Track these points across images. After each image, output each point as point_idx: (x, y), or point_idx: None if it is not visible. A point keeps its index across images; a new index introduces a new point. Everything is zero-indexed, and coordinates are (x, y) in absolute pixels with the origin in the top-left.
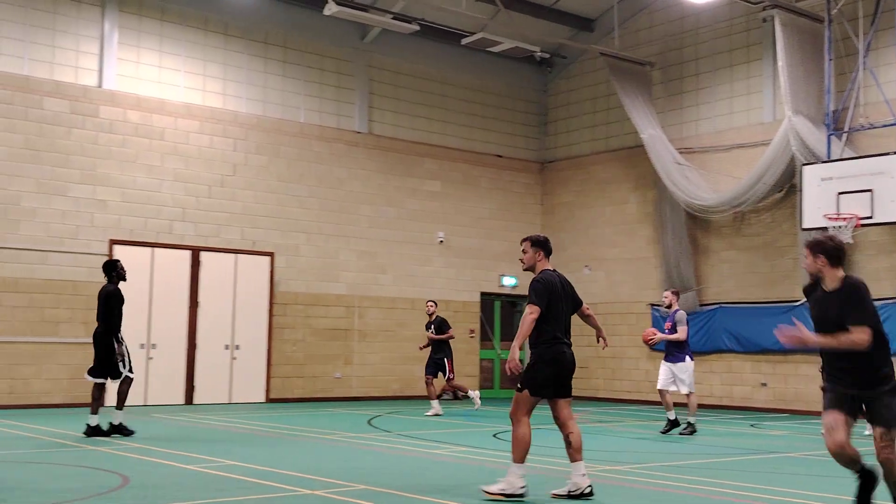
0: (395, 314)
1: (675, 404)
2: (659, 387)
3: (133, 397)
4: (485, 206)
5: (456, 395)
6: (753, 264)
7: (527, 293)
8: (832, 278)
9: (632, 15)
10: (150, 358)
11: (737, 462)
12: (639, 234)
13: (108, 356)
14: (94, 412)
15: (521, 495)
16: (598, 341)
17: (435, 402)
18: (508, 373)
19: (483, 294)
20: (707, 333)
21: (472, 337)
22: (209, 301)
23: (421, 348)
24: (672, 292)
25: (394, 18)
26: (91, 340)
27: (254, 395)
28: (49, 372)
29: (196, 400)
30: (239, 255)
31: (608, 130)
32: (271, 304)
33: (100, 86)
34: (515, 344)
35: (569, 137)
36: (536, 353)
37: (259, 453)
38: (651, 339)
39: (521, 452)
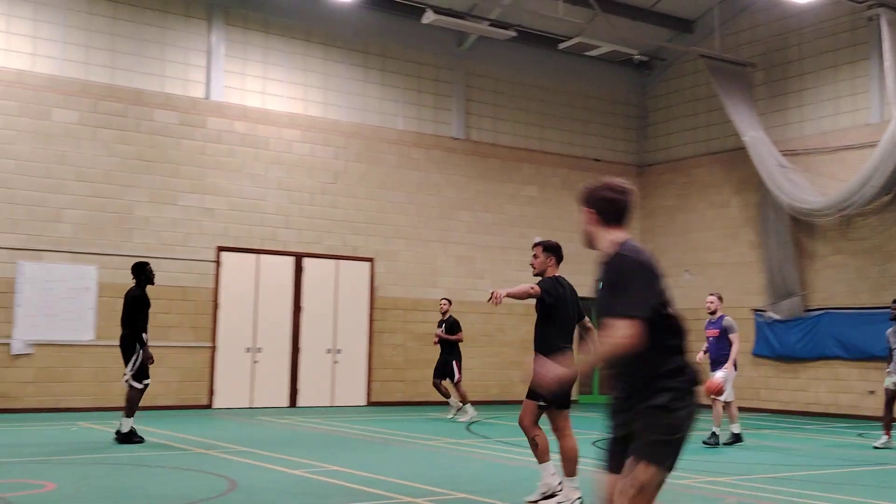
0: (493, 319)
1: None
2: (721, 399)
3: (239, 400)
4: None
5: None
6: (861, 269)
7: None
8: (604, 243)
9: (732, 16)
10: (256, 361)
11: (845, 474)
12: (741, 238)
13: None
14: (130, 415)
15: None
16: None
17: (454, 401)
18: (492, 296)
19: (582, 299)
20: (812, 340)
21: None
22: (312, 306)
23: (435, 343)
24: (718, 296)
25: (491, 25)
26: (119, 345)
27: (355, 399)
28: (160, 375)
29: (299, 403)
30: (340, 260)
31: (709, 133)
32: (371, 308)
33: (207, 97)
34: (508, 290)
35: (668, 140)
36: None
37: (361, 458)
38: (718, 389)
39: (572, 465)
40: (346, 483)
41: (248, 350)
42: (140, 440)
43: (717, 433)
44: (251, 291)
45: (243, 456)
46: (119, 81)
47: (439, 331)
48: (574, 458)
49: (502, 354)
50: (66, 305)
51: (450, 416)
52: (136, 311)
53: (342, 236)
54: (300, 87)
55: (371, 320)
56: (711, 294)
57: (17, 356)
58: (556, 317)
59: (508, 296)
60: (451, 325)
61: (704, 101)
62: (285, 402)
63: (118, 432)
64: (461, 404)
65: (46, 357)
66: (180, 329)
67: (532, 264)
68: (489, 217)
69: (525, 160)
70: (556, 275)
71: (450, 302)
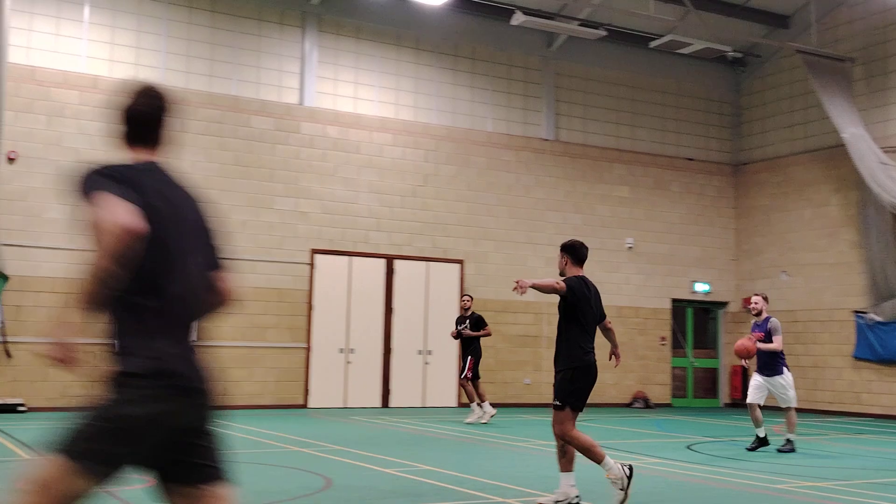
0: None
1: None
2: (750, 401)
3: (333, 400)
4: (676, 211)
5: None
6: None
7: (721, 300)
8: None
9: (829, 10)
10: (349, 362)
11: None
12: (841, 237)
13: None
14: None
15: (629, 476)
16: (610, 358)
17: (486, 405)
18: (516, 285)
19: (674, 301)
20: None
21: (662, 345)
22: (403, 307)
23: (453, 335)
24: (763, 297)
25: (580, 25)
26: None
27: (446, 400)
28: (258, 375)
29: (392, 403)
30: (430, 262)
31: (806, 130)
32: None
33: (301, 103)
34: (533, 281)
35: (764, 138)
36: (568, 362)
37: (452, 458)
38: (750, 351)
39: (597, 451)
40: (438, 482)
41: (341, 351)
42: None
43: (792, 439)
44: (344, 293)
45: (338, 454)
46: (217, 89)
47: (462, 327)
48: (594, 446)
49: None
50: None
51: (468, 421)
52: None
53: (432, 238)
54: (391, 92)
55: None
56: (756, 294)
57: None
58: (579, 316)
59: (533, 286)
60: (476, 322)
61: (801, 98)
62: (378, 402)
63: None
64: (482, 410)
65: None
66: (277, 330)
67: (558, 264)
68: (579, 218)
69: (616, 160)
70: (581, 275)
71: (472, 298)
